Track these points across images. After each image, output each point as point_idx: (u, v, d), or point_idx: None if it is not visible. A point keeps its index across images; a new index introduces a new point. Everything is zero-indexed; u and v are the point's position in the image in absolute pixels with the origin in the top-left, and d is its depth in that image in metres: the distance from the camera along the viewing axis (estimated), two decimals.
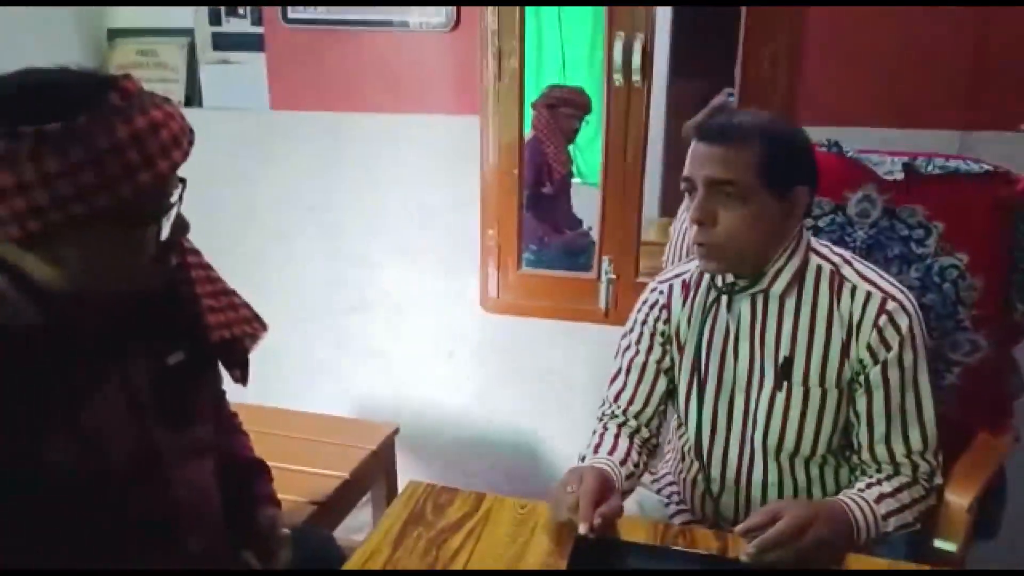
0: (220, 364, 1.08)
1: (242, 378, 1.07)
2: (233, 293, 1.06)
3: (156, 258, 0.89)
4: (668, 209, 2.60)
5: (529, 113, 2.69)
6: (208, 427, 1.07)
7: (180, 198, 0.89)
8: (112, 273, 0.87)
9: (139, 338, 0.95)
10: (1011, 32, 1.65)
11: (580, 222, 2.88)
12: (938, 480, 1.16)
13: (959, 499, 1.22)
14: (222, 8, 2.13)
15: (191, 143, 0.88)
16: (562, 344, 2.12)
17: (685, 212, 1.68)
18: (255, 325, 1.07)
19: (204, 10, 2.15)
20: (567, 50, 3.50)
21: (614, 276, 2.02)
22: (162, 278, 0.93)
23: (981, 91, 1.70)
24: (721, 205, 1.08)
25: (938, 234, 1.40)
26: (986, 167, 1.37)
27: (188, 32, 2.19)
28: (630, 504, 1.42)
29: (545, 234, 2.78)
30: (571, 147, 2.96)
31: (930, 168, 1.39)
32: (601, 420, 1.31)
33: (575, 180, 3.11)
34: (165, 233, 0.88)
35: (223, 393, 1.19)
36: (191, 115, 0.90)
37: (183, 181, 0.89)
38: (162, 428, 0.97)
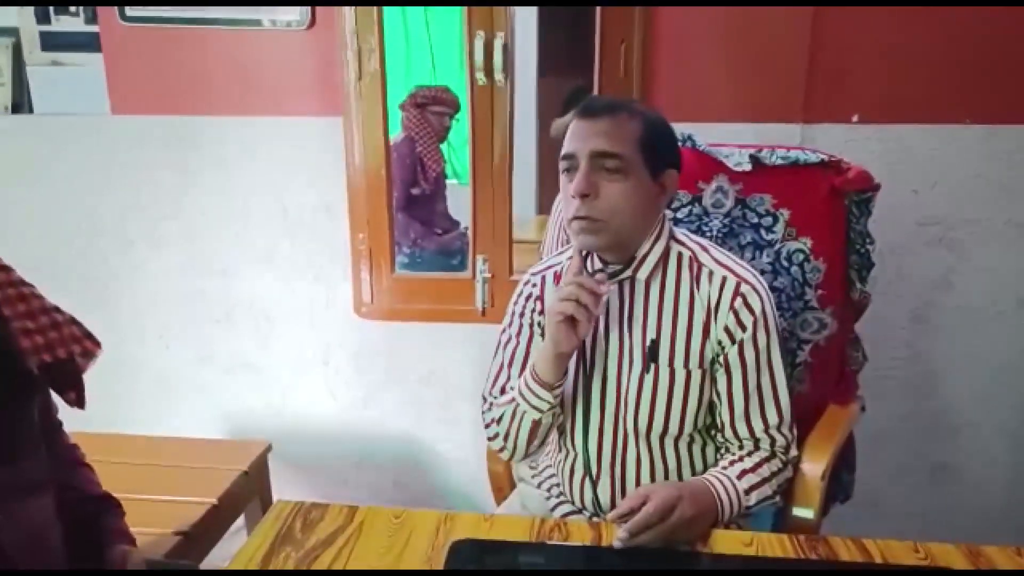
0: (51, 391, 0.99)
1: (78, 401, 0.98)
2: (56, 310, 0.97)
3: None
4: (544, 207, 2.64)
5: (395, 113, 2.65)
6: (39, 461, 0.97)
7: None
8: None
9: None
10: (842, 29, 1.78)
11: (457, 223, 2.87)
12: (794, 452, 1.23)
13: (813, 467, 1.29)
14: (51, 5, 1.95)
15: None
16: (441, 346, 2.09)
17: (561, 203, 1.70)
18: (86, 343, 0.98)
19: (29, 7, 1.96)
20: (436, 49, 3.48)
21: (489, 275, 2.01)
22: None
23: (818, 86, 1.82)
24: (603, 179, 1.11)
25: (784, 221, 1.48)
26: (822, 156, 1.46)
27: (12, 32, 1.98)
28: (512, 502, 1.43)
29: (419, 235, 2.75)
30: (445, 147, 2.95)
31: (773, 159, 1.47)
32: (489, 426, 1.30)
33: (451, 181, 3.09)
34: None
35: (59, 424, 1.09)
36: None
37: None
38: None
